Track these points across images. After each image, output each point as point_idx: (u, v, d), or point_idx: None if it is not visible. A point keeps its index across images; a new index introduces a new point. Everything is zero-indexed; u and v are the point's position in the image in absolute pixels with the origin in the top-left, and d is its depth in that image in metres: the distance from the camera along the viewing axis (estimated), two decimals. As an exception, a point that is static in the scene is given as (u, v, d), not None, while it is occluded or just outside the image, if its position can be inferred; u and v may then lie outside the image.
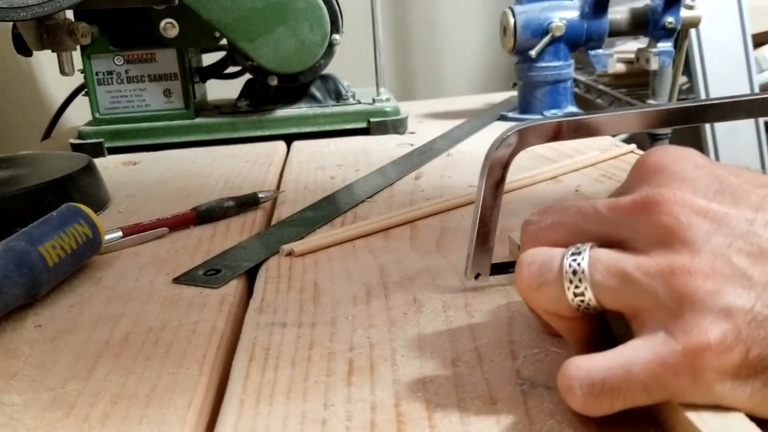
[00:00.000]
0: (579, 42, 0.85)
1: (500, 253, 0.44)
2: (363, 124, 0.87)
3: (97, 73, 0.84)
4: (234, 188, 0.65)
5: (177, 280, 0.44)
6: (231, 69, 0.93)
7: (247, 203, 0.58)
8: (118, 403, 0.31)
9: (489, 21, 1.35)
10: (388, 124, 0.86)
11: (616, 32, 0.86)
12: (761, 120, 1.35)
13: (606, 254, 0.27)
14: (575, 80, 1.08)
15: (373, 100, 0.88)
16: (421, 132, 0.86)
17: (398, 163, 0.71)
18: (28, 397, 0.32)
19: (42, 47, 0.69)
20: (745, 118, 0.38)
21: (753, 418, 0.24)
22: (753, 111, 0.35)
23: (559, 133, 0.35)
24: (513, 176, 0.61)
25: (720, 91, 1.28)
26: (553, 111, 0.86)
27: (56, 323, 0.39)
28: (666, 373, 0.24)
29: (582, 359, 0.26)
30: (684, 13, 0.84)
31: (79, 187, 0.58)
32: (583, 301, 0.27)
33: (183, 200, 0.62)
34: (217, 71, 0.93)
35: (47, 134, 1.02)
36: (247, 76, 0.90)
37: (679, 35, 0.89)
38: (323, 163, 0.73)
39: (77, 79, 0.82)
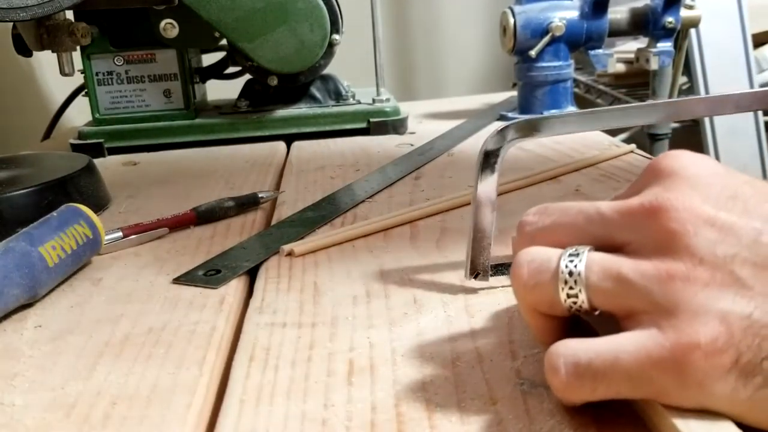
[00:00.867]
0: (579, 42, 0.85)
1: (503, 253, 0.44)
2: (363, 125, 0.87)
3: (97, 74, 0.84)
4: (234, 188, 0.65)
5: (177, 281, 0.44)
6: (231, 69, 0.93)
7: (247, 203, 0.58)
8: (118, 404, 0.31)
9: (489, 21, 1.35)
10: (388, 125, 0.86)
11: (616, 32, 0.86)
12: (761, 120, 1.35)
13: (603, 257, 0.27)
14: (575, 80, 1.08)
15: (373, 101, 0.88)
16: (421, 132, 0.86)
17: (398, 163, 0.71)
18: (28, 398, 0.32)
19: (42, 48, 0.69)
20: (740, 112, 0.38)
21: (741, 426, 0.24)
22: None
23: (548, 128, 0.35)
24: (513, 176, 0.61)
25: (720, 91, 1.28)
26: (553, 111, 0.86)
27: (56, 324, 0.39)
28: (652, 366, 0.24)
29: (572, 341, 0.26)
30: (684, 13, 0.84)
31: (79, 188, 0.58)
32: (575, 302, 0.27)
33: (183, 200, 0.62)
34: (217, 71, 0.93)
35: (47, 134, 1.02)
36: (247, 76, 0.90)
37: (679, 35, 0.89)
38: (323, 164, 0.73)
39: (77, 79, 0.82)
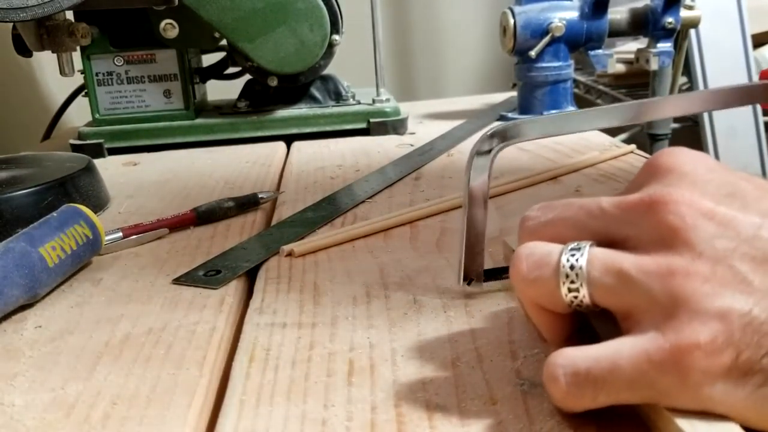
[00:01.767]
0: (579, 42, 0.85)
1: (495, 256, 0.44)
2: (363, 125, 0.87)
3: (97, 74, 0.84)
4: (234, 189, 0.65)
5: (177, 281, 0.44)
6: (231, 69, 0.93)
7: (247, 204, 0.58)
8: (118, 404, 0.31)
9: (489, 21, 1.35)
10: (388, 125, 0.86)
11: (616, 32, 0.86)
12: (761, 120, 1.35)
13: (605, 252, 0.27)
14: (575, 81, 1.08)
15: (373, 101, 0.88)
16: (421, 132, 0.86)
17: (398, 164, 0.71)
18: (28, 398, 0.32)
19: (42, 48, 0.69)
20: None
21: (745, 428, 0.24)
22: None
23: (532, 131, 0.35)
24: (513, 176, 0.61)
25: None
26: (553, 111, 0.86)
27: (56, 324, 0.39)
28: (652, 369, 0.24)
29: (569, 349, 0.26)
30: (684, 13, 0.84)
31: (79, 188, 0.58)
32: (576, 297, 0.27)
33: (183, 201, 0.62)
34: (217, 72, 0.93)
35: (47, 135, 1.02)
36: (247, 76, 0.90)
37: (679, 35, 0.89)
38: (323, 164, 0.73)
39: (77, 79, 0.82)
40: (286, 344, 0.35)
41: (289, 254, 0.47)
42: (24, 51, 0.70)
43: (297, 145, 0.84)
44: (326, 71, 0.88)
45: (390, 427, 0.28)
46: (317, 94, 0.89)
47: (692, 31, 1.24)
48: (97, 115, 0.85)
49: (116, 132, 0.85)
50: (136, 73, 0.84)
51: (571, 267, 0.27)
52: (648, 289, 0.25)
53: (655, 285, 0.25)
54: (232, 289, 0.43)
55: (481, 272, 0.38)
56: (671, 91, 1.08)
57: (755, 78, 1.33)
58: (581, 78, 1.46)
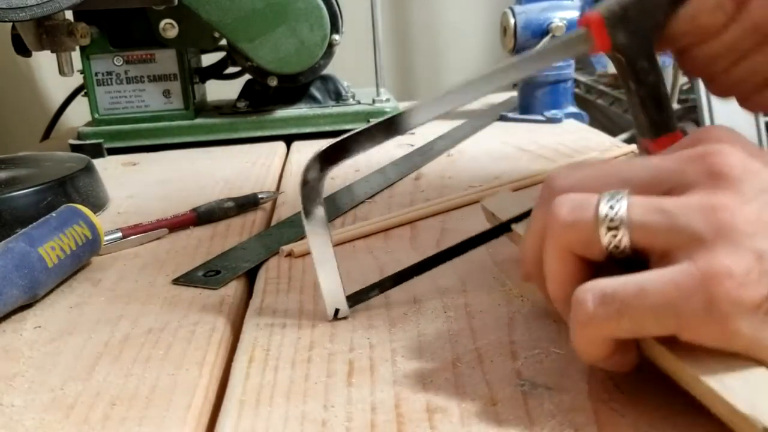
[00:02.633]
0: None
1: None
2: (363, 125, 0.86)
3: (96, 74, 0.84)
4: (234, 189, 0.65)
5: (177, 281, 0.44)
6: (231, 69, 0.93)
7: (246, 204, 0.58)
8: (118, 405, 0.31)
9: (489, 21, 1.35)
10: (388, 125, 0.86)
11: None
12: (762, 119, 1.35)
13: (646, 197, 0.26)
14: (575, 80, 1.08)
15: (373, 101, 0.88)
16: (421, 132, 0.86)
17: (398, 164, 0.71)
18: (27, 399, 0.32)
19: (41, 48, 0.69)
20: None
21: None
22: None
23: (359, 145, 0.36)
24: (513, 177, 0.61)
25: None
26: (554, 111, 0.86)
27: (56, 324, 0.39)
28: (679, 295, 0.24)
29: (599, 279, 0.26)
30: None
31: (79, 188, 0.58)
32: (615, 237, 0.26)
33: (182, 201, 0.62)
34: (216, 72, 0.93)
35: (46, 135, 1.02)
36: (247, 76, 0.90)
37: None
38: (323, 164, 0.73)
39: (76, 79, 0.82)
40: (286, 344, 0.35)
41: (289, 254, 0.47)
42: (23, 51, 0.70)
43: (297, 145, 0.84)
44: (326, 71, 0.88)
45: (390, 427, 0.28)
46: (317, 94, 0.89)
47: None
48: (96, 115, 0.85)
49: (116, 132, 0.85)
50: (135, 72, 0.84)
51: (611, 207, 0.26)
52: (689, 222, 0.25)
53: (697, 219, 0.25)
54: (232, 290, 0.43)
55: (343, 300, 0.37)
56: (671, 92, 1.08)
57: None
58: (581, 78, 1.46)
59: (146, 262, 0.48)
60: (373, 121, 0.85)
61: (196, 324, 0.38)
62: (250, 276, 0.46)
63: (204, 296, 0.42)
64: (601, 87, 1.40)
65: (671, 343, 0.26)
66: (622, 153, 0.67)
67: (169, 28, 0.81)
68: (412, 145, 0.79)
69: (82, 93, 0.87)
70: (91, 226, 0.46)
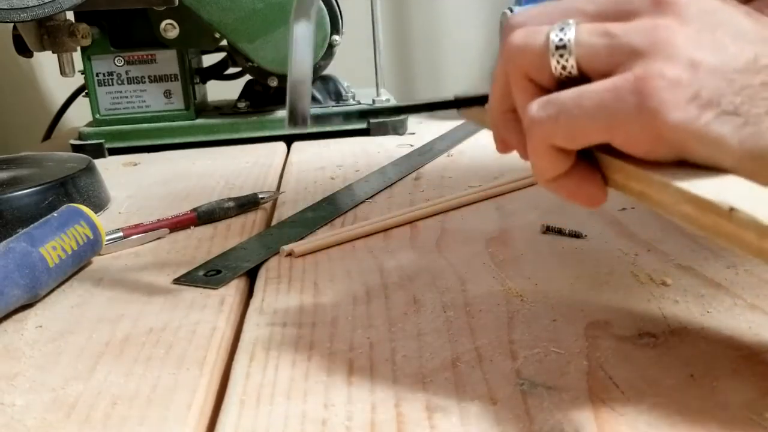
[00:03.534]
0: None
1: (496, 256, 0.44)
2: (363, 125, 0.87)
3: (97, 74, 0.84)
4: (234, 189, 0.66)
5: (177, 281, 0.44)
6: (231, 70, 0.93)
7: (247, 204, 0.58)
8: (119, 404, 0.31)
9: (489, 21, 1.35)
10: (388, 125, 0.86)
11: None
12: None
13: (593, 24, 0.28)
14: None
15: (373, 101, 0.88)
16: (421, 133, 0.86)
17: (398, 164, 0.71)
18: (29, 398, 0.32)
19: (42, 48, 0.69)
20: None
21: None
22: None
23: None
24: (513, 176, 0.61)
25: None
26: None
27: (57, 324, 0.39)
28: (613, 97, 0.26)
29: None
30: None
31: (80, 188, 0.58)
32: (563, 57, 0.27)
33: (183, 201, 0.62)
34: (217, 72, 0.93)
35: (48, 135, 1.02)
36: (247, 77, 0.90)
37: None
38: (323, 164, 0.73)
39: (77, 80, 0.82)
40: (286, 344, 0.35)
41: (290, 254, 0.47)
42: (24, 51, 0.70)
43: (297, 146, 0.84)
44: (326, 71, 0.88)
45: (390, 427, 0.28)
46: (317, 94, 0.89)
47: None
48: (97, 116, 0.85)
49: (117, 132, 0.85)
50: (136, 73, 0.84)
51: (561, 29, 0.28)
52: (630, 40, 0.26)
53: (638, 36, 0.26)
54: (233, 289, 0.43)
55: (306, 114, 0.37)
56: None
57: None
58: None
59: (147, 262, 0.48)
60: (374, 121, 0.86)
61: (196, 323, 0.38)
62: (251, 276, 0.46)
63: (204, 296, 0.42)
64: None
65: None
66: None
67: (169, 28, 0.81)
68: (412, 146, 0.79)
69: (83, 93, 0.87)
70: (92, 226, 0.46)
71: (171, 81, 0.85)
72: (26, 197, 0.54)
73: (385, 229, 0.51)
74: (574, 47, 0.27)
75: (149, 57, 0.84)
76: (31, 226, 0.44)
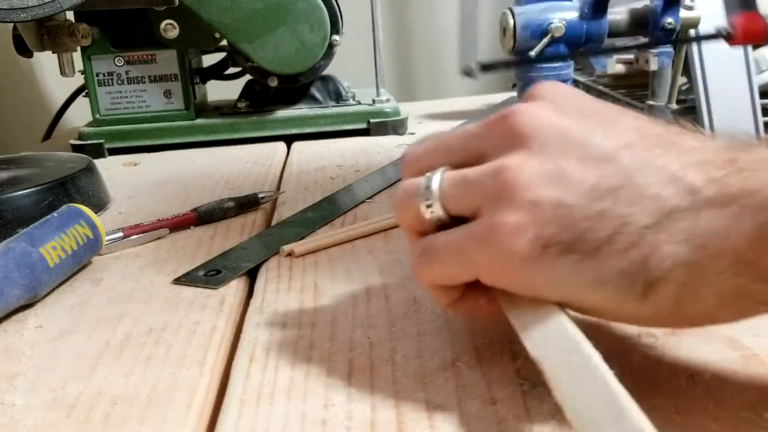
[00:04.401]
0: (579, 43, 0.85)
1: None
2: (363, 125, 0.87)
3: (97, 74, 0.84)
4: (234, 189, 0.66)
5: (177, 281, 0.44)
6: (231, 70, 0.93)
7: (247, 204, 0.58)
8: (119, 404, 0.31)
9: (489, 21, 1.35)
10: (388, 125, 0.86)
11: (616, 33, 0.86)
12: (761, 120, 1.35)
13: (455, 171, 0.30)
14: (575, 81, 1.08)
15: (373, 101, 0.88)
16: (421, 133, 0.87)
17: (398, 164, 0.71)
18: (29, 398, 0.32)
19: (42, 48, 0.69)
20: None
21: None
22: None
23: None
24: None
25: (719, 91, 1.27)
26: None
27: (57, 324, 0.39)
28: (469, 241, 0.28)
29: (428, 236, 0.31)
30: (683, 13, 0.84)
31: (80, 188, 0.58)
32: (432, 211, 0.30)
33: (183, 201, 0.62)
34: (217, 72, 0.93)
35: (48, 135, 1.02)
36: (247, 76, 0.90)
37: (678, 36, 0.89)
38: (323, 164, 0.73)
39: (78, 80, 0.82)
40: (286, 344, 0.35)
41: (290, 254, 0.47)
42: (24, 51, 0.70)
43: (297, 146, 0.84)
44: (326, 71, 0.88)
45: (390, 427, 0.28)
46: (317, 94, 0.89)
47: (692, 32, 1.24)
48: (97, 116, 0.85)
49: (117, 132, 0.85)
50: (136, 73, 0.84)
51: (427, 188, 0.30)
52: (483, 186, 0.28)
53: (488, 183, 0.28)
54: (233, 289, 0.43)
55: (476, 63, 0.38)
56: (670, 92, 1.08)
57: (754, 78, 1.32)
58: (581, 78, 1.46)
59: (147, 262, 0.48)
60: (374, 121, 0.86)
61: (196, 323, 0.38)
62: (251, 276, 0.46)
63: (205, 296, 0.42)
64: (600, 87, 1.40)
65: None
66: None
67: (169, 28, 0.81)
68: (412, 146, 0.79)
69: (83, 93, 0.87)
70: (92, 226, 0.46)
71: (171, 81, 0.85)
72: (26, 197, 0.54)
73: (385, 229, 0.51)
74: (438, 197, 0.30)
75: (149, 57, 0.84)
76: (31, 226, 0.44)
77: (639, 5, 0.86)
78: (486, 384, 0.30)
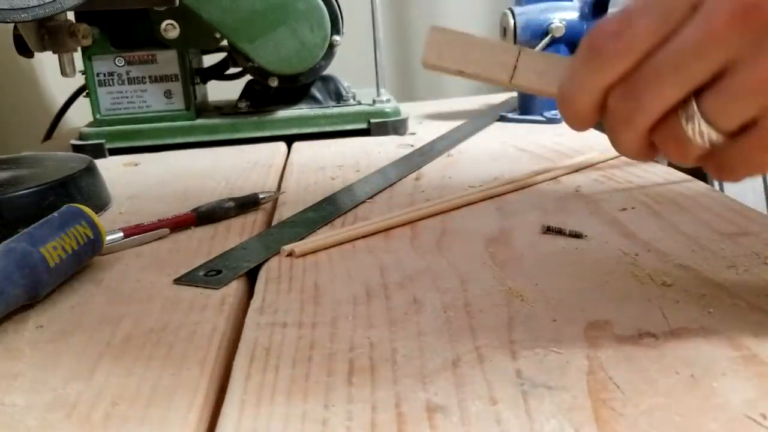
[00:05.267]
0: (579, 43, 0.85)
1: (497, 256, 0.44)
2: (363, 125, 0.87)
3: (98, 74, 0.84)
4: (234, 189, 0.66)
5: (178, 281, 0.44)
6: (232, 70, 0.93)
7: (247, 204, 0.58)
8: (119, 404, 0.31)
9: (489, 21, 1.35)
10: (389, 125, 0.86)
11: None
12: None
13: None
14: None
15: (374, 101, 0.88)
16: (422, 133, 0.87)
17: (398, 164, 0.71)
18: (29, 398, 0.32)
19: (43, 48, 0.70)
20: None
21: None
22: None
23: None
24: (513, 177, 0.61)
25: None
26: (554, 112, 0.86)
27: (57, 324, 0.39)
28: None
29: None
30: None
31: (81, 188, 0.59)
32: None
33: (184, 201, 0.63)
34: (217, 72, 0.93)
35: (48, 135, 1.02)
36: (248, 77, 0.90)
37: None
38: (324, 164, 0.74)
39: (78, 80, 0.82)
40: (287, 344, 0.35)
41: (290, 254, 0.47)
42: (25, 51, 0.70)
43: (297, 146, 0.84)
44: (327, 72, 0.88)
45: (390, 427, 0.28)
46: (318, 94, 0.89)
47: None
48: (98, 116, 0.85)
49: (117, 132, 0.85)
50: (137, 73, 0.84)
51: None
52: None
53: None
54: (233, 289, 0.43)
55: None
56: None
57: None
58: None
59: (147, 262, 0.48)
60: (374, 121, 0.86)
61: (197, 324, 0.38)
62: (251, 276, 0.46)
63: (205, 296, 0.42)
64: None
65: None
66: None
67: (170, 28, 0.81)
68: (412, 146, 0.79)
69: (84, 93, 0.87)
70: (93, 226, 0.46)
71: (171, 81, 0.85)
72: (27, 197, 0.54)
73: (386, 229, 0.51)
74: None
75: (150, 57, 0.84)
76: (32, 226, 0.44)
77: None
78: (486, 384, 0.30)
